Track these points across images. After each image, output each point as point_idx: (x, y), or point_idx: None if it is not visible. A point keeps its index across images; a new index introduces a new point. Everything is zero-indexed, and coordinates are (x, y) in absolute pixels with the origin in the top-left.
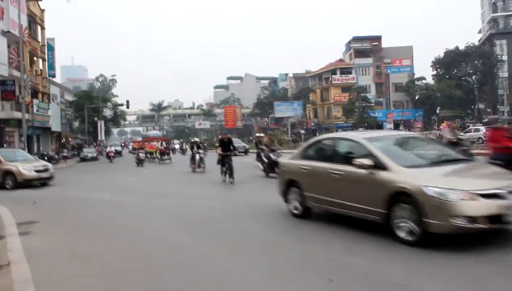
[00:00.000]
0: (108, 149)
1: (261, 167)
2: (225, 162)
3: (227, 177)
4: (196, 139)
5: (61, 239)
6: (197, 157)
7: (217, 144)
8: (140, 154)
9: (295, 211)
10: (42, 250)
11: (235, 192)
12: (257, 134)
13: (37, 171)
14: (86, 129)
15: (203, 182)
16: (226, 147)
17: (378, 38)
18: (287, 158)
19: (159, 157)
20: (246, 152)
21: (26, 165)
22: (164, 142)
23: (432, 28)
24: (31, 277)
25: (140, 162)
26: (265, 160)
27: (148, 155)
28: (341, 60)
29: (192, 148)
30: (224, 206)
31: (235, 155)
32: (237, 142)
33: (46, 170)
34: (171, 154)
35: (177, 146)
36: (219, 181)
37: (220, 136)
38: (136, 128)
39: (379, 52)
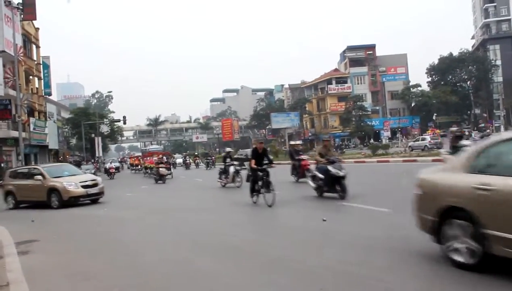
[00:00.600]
0: (107, 165)
1: (312, 185)
2: (258, 178)
3: (260, 197)
4: (229, 149)
5: (61, 257)
6: (232, 169)
7: (238, 155)
8: (160, 169)
9: (459, 258)
10: (42, 269)
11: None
12: (292, 142)
13: (84, 187)
14: (83, 146)
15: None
16: (261, 158)
17: (372, 47)
18: (435, 171)
19: None
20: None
21: (72, 180)
22: (164, 157)
23: (426, 35)
24: None
25: (160, 178)
26: (319, 175)
27: (148, 171)
28: (336, 69)
29: (224, 160)
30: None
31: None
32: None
33: (94, 185)
34: (172, 169)
35: (179, 160)
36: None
37: (253, 146)
38: (133, 143)
39: (374, 61)
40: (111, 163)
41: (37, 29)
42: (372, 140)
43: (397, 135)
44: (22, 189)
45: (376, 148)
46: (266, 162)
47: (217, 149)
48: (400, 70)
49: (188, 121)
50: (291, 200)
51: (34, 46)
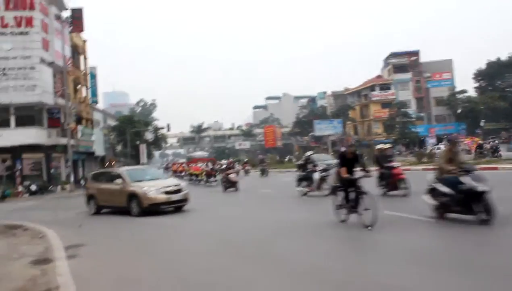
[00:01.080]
0: None
1: (432, 202)
2: (350, 190)
3: (351, 215)
4: (311, 152)
5: (107, 262)
6: (316, 175)
7: (316, 161)
8: (230, 175)
9: None
10: (89, 273)
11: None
12: (378, 147)
13: (166, 193)
14: (128, 153)
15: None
16: (351, 165)
17: (416, 53)
18: None
19: (205, 179)
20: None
21: (153, 185)
22: (209, 163)
23: (472, 40)
24: None
25: (232, 185)
26: (444, 190)
27: (194, 177)
28: (379, 76)
29: (305, 164)
30: None
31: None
32: (326, 159)
33: (178, 191)
34: (217, 176)
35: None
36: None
37: (343, 149)
38: (177, 150)
39: (418, 67)
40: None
41: (84, 41)
42: (416, 148)
43: (443, 143)
44: (103, 193)
45: (421, 155)
46: (360, 169)
47: (260, 156)
48: (446, 76)
49: (231, 129)
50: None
51: (81, 57)
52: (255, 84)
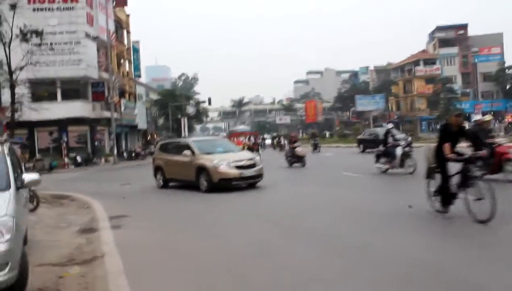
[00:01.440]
0: None
1: None
2: (454, 174)
3: (451, 206)
4: (391, 125)
5: (150, 233)
6: (399, 150)
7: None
8: (297, 149)
9: None
10: (133, 244)
11: None
12: (478, 118)
13: (239, 167)
14: (170, 126)
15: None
16: (456, 141)
17: (464, 27)
18: None
19: None
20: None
21: (225, 158)
22: (252, 137)
23: None
24: (123, 269)
25: (298, 160)
26: None
27: None
28: (424, 51)
29: (385, 139)
30: None
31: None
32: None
33: (251, 166)
34: (260, 150)
35: (268, 141)
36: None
37: (446, 121)
38: (218, 124)
39: (465, 41)
40: None
41: (127, 15)
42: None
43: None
44: (171, 165)
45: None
46: (470, 145)
47: (301, 131)
48: (495, 51)
49: (272, 103)
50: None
51: (125, 32)
52: (297, 57)
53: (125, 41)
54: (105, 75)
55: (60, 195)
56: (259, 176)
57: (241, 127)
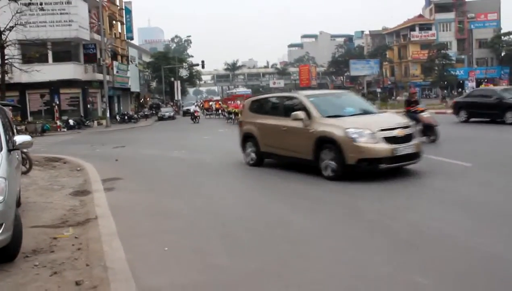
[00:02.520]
0: (192, 108)
1: None
2: None
3: None
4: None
5: (143, 195)
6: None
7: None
8: (423, 114)
9: None
10: (126, 206)
11: None
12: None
13: (389, 140)
14: (163, 89)
15: None
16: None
17: None
18: None
19: None
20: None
21: (364, 124)
22: None
23: None
24: (117, 231)
25: (427, 131)
26: None
27: (232, 116)
28: (420, 16)
29: (409, 105)
30: None
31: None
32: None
33: (407, 138)
34: None
35: None
36: None
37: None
38: (211, 87)
39: (462, 6)
40: (196, 105)
41: None
42: (454, 91)
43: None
44: (269, 133)
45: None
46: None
47: None
48: (491, 17)
49: (266, 67)
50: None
51: None
52: (291, 21)
53: (117, 2)
54: (97, 36)
55: (53, 158)
56: (417, 155)
57: (241, 90)
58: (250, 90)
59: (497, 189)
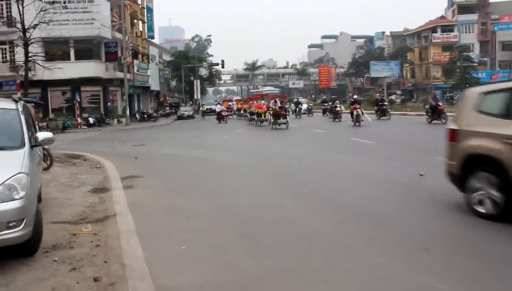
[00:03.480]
0: (218, 107)
1: None
2: None
3: None
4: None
5: (161, 193)
6: None
7: None
8: None
9: None
10: (144, 204)
11: None
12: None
13: None
14: (183, 88)
15: None
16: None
17: None
18: None
19: (272, 120)
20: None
21: None
22: (278, 100)
23: None
24: (135, 228)
25: None
26: None
27: (254, 117)
28: (442, 17)
29: None
30: None
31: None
32: None
33: None
34: (288, 117)
35: (304, 106)
36: None
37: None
38: (230, 87)
39: (486, 8)
40: (220, 104)
41: None
42: None
43: None
44: None
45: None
46: None
47: (313, 96)
48: None
49: (285, 67)
50: None
51: None
52: (311, 22)
53: (139, 1)
54: (118, 35)
55: (73, 155)
56: None
57: (268, 89)
58: (279, 89)
59: None
